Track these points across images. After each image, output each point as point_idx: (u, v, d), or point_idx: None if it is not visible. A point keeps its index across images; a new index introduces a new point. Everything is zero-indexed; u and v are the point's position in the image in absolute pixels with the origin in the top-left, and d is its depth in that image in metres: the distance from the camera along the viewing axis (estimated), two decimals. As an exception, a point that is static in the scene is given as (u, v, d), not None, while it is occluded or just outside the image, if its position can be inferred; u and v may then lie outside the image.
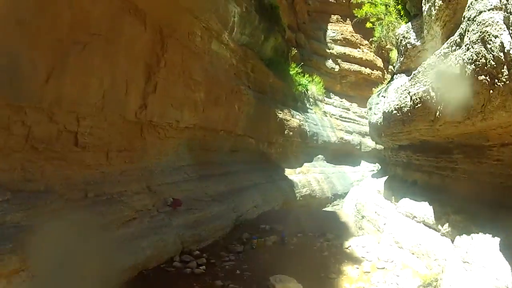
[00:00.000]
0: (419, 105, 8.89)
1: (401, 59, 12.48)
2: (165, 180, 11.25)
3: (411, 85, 9.37)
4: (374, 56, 32.04)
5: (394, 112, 10.79)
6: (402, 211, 10.64)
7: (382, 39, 19.41)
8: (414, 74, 9.32)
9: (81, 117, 7.97)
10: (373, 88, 27.62)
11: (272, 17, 19.82)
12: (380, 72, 32.39)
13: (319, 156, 26.41)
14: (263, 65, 19.59)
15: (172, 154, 12.32)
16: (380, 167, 22.54)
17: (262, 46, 19.42)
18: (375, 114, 14.89)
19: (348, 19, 32.11)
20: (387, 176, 15.00)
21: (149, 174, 10.72)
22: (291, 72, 24.62)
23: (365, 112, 28.90)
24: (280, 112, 20.70)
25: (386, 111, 11.79)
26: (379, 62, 32.38)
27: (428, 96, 8.18)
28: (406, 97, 9.80)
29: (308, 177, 22.96)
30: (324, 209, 22.81)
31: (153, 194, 10.31)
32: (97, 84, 8.24)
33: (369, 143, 28.80)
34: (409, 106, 9.59)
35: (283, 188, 19.46)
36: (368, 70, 32.51)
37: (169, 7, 10.43)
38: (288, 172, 21.80)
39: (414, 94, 9.06)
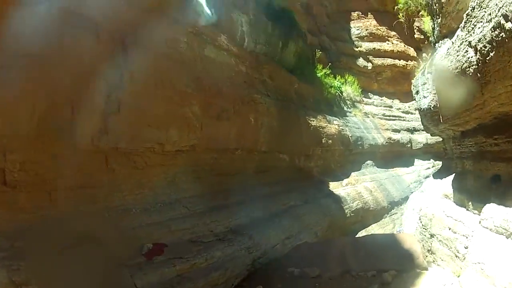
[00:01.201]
0: (491, 54, 5.66)
1: (439, 21, 9.38)
2: (147, 220, 8.64)
3: (469, 32, 6.36)
4: (405, 46, 29.50)
5: (454, 81, 7.39)
6: (489, 225, 6.99)
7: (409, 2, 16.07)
8: (467, 15, 6.40)
9: (8, 151, 6.47)
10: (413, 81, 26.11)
11: (287, 22, 17.30)
12: (415, 62, 28.69)
13: (368, 162, 23.06)
14: (284, 70, 16.68)
15: (165, 185, 9.63)
16: (436, 164, 20.79)
17: (282, 54, 16.85)
18: (424, 97, 11.35)
19: (369, 13, 29.70)
20: (453, 175, 11.04)
21: (121, 214, 8.24)
22: (319, 75, 21.31)
23: (408, 106, 27.98)
24: (312, 119, 17.42)
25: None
26: (412, 51, 29.53)
27: (504, 34, 5.08)
28: (466, 52, 6.59)
29: (358, 188, 19.50)
30: (381, 220, 19.74)
31: (125, 240, 7.79)
32: (27, 111, 6.64)
33: (420, 139, 26.07)
34: (474, 63, 6.35)
35: (327, 206, 16.07)
36: (402, 62, 29.43)
37: (132, 12, 8.37)
38: (334, 186, 18.38)
39: (479, 40, 5.88)
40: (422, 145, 26.52)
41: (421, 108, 12.50)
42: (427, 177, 23.73)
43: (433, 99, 10.58)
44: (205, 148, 10.81)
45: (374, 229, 18.49)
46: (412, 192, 22.65)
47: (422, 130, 26.89)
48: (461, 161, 11.25)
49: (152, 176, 9.21)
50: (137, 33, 8.42)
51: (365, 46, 29.28)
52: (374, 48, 29.41)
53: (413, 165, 26.40)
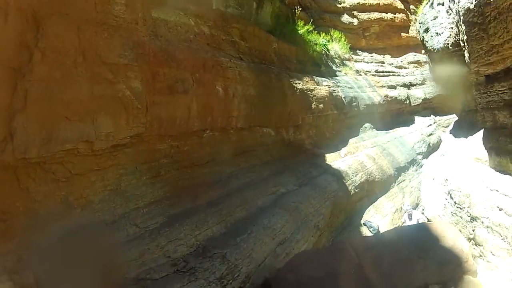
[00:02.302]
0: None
1: None
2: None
3: None
4: (390, -4, 27.76)
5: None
6: None
7: None
8: None
9: None
10: (402, 33, 27.55)
11: (259, -20, 14.38)
12: (403, 15, 28.56)
13: (366, 125, 20.04)
14: (258, 29, 13.61)
15: (105, 198, 6.87)
16: (437, 120, 19.37)
17: (258, 16, 14.24)
18: (438, 34, 8.26)
19: (348, -35, 27.41)
20: (481, 131, 8.10)
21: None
22: (301, 32, 18.11)
23: (401, 61, 26.31)
24: (298, 82, 14.27)
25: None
26: (399, 4, 28.58)
27: None
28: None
29: (359, 156, 16.45)
30: (389, 191, 16.83)
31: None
32: None
33: (418, 94, 24.16)
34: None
35: (326, 186, 12.83)
36: (389, 15, 27.91)
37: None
38: (331, 159, 15.26)
39: None
40: (421, 100, 24.35)
41: (433, 49, 9.48)
42: (430, 134, 21.94)
43: (450, 34, 8.27)
44: (157, 135, 8.10)
45: (383, 203, 15.68)
46: (418, 154, 19.90)
47: (419, 85, 24.92)
48: (491, 113, 8.46)
49: (84, 188, 6.54)
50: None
51: (349, 1, 26.95)
52: (359, 3, 27.23)
53: (413, 123, 23.80)
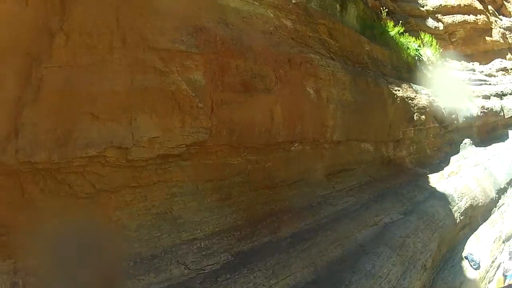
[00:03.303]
0: None
1: None
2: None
3: None
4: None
5: None
6: None
7: None
8: None
9: None
10: (486, 37, 25.28)
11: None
12: (484, 16, 25.59)
13: (465, 141, 16.62)
14: (348, 27, 11.03)
15: (146, 224, 4.87)
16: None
17: (343, 18, 11.82)
18: None
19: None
20: None
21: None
22: (392, 33, 15.26)
23: (489, 68, 23.06)
24: (397, 88, 11.55)
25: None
26: (477, 4, 25.62)
27: None
28: None
29: (464, 178, 13.16)
30: (490, 217, 13.32)
31: None
32: None
33: (510, 105, 20.60)
34: None
35: (434, 214, 9.83)
36: (472, 17, 25.02)
37: None
38: (434, 180, 12.20)
39: None
40: (513, 111, 21.80)
41: None
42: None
43: None
44: (227, 145, 5.92)
45: (485, 231, 12.50)
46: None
47: (510, 94, 21.63)
48: None
49: (114, 209, 4.62)
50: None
51: (431, 3, 24.71)
52: (440, 5, 24.83)
53: (508, 137, 20.22)
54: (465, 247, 11.26)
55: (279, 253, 5.77)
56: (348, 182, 8.75)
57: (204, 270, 4.91)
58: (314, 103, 7.55)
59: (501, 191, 15.09)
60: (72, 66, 4.07)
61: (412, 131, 12.52)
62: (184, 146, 5.01)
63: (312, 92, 7.48)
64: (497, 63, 23.63)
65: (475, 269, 10.34)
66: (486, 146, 18.00)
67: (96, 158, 4.19)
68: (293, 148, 7.17)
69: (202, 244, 5.25)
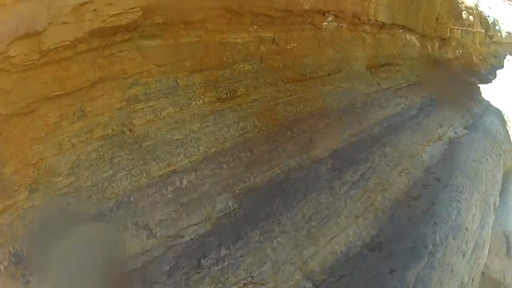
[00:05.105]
0: None
1: None
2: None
3: None
4: None
5: None
6: None
7: None
8: None
9: None
10: None
11: None
12: None
13: (508, 57, 14.11)
14: None
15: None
16: None
17: None
18: None
19: None
20: None
21: None
22: None
23: None
24: None
25: None
26: None
27: None
28: None
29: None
30: None
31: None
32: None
33: None
34: None
35: (496, 134, 7.80)
36: None
37: None
38: (486, 92, 9.92)
39: None
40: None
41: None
42: None
43: None
44: (221, 10, 3.85)
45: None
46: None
47: None
48: None
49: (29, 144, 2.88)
50: None
51: None
52: None
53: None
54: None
55: (317, 191, 3.57)
56: (395, 79, 6.57)
57: (181, 239, 2.96)
58: None
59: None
60: None
61: (459, 32, 10.35)
62: (138, 9, 3.10)
63: None
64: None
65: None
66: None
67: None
68: (325, 24, 4.93)
69: (184, 181, 3.24)
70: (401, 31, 7.15)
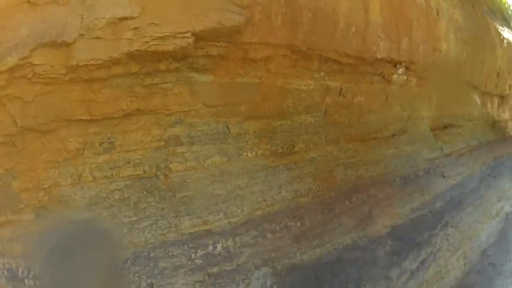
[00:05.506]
0: None
1: None
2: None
3: None
4: None
5: None
6: None
7: None
8: None
9: None
10: None
11: None
12: None
13: None
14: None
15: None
16: None
17: None
18: None
19: None
20: None
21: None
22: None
23: None
24: (501, 28, 8.76)
25: None
26: None
27: None
28: None
29: None
30: None
31: None
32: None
33: None
34: None
35: None
36: None
37: None
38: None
39: None
40: None
41: None
42: None
43: None
44: (286, 47, 3.41)
45: None
46: None
47: None
48: None
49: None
50: None
51: None
52: None
53: None
54: None
55: (372, 281, 3.17)
56: (456, 143, 6.11)
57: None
58: (422, 10, 5.07)
59: None
60: None
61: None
62: (189, 35, 2.75)
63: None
64: None
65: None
66: None
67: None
68: (395, 76, 4.51)
69: (219, 246, 2.91)
70: (466, 87, 6.61)
